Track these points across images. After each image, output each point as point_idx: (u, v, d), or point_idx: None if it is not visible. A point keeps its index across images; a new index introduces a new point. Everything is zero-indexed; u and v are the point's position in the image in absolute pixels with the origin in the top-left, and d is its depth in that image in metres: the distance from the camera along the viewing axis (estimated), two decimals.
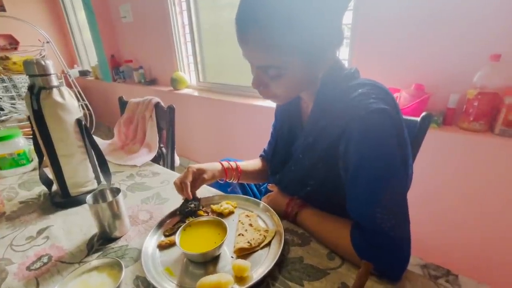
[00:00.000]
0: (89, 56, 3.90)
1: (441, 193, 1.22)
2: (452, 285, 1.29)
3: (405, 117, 0.73)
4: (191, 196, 0.66)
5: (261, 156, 0.89)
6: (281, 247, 0.53)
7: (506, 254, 1.12)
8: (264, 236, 0.58)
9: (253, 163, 0.85)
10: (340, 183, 0.55)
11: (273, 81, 0.54)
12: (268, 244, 0.56)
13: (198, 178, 0.70)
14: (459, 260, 1.26)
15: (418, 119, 0.73)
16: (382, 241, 0.47)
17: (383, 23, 1.28)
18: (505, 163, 1.03)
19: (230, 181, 0.80)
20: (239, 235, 0.58)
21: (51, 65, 0.70)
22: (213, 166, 0.74)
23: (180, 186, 0.67)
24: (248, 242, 0.55)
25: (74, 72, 3.77)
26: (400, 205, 0.48)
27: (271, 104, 1.72)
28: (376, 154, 0.48)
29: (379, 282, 0.47)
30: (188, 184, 0.66)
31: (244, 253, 0.54)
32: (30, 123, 0.72)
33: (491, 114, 1.08)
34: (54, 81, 0.70)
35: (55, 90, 0.70)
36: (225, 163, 0.78)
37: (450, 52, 1.15)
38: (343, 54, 1.48)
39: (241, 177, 0.80)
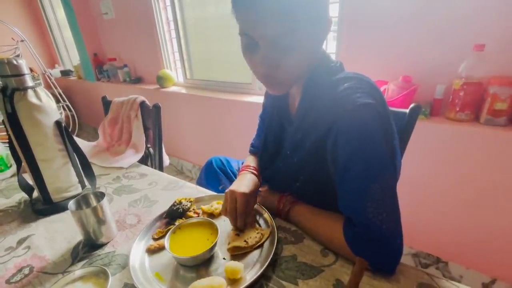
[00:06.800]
0: (71, 55, 3.75)
1: (430, 182, 1.24)
2: (442, 271, 1.33)
3: (393, 109, 0.73)
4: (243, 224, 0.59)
5: (251, 151, 0.83)
6: (274, 246, 0.52)
7: (492, 238, 1.15)
8: (262, 234, 0.56)
9: (254, 160, 0.79)
10: (329, 177, 0.55)
11: (285, 54, 0.50)
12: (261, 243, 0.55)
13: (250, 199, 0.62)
14: (448, 247, 1.29)
15: (407, 110, 0.73)
16: (375, 235, 0.47)
17: (369, 15, 1.28)
18: (491, 151, 1.05)
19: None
20: (236, 234, 0.56)
21: (25, 65, 0.66)
22: (250, 180, 0.66)
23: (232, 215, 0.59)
24: (245, 241, 0.54)
25: (55, 72, 3.63)
26: (390, 198, 0.48)
27: (259, 99, 1.70)
28: (364, 149, 0.48)
29: (374, 278, 0.47)
30: (241, 214, 0.58)
31: (238, 252, 0.53)
32: (5, 127, 0.68)
33: (477, 104, 1.09)
34: (29, 82, 0.66)
35: (30, 91, 0.66)
36: (253, 170, 0.70)
37: (436, 43, 1.16)
38: (331, 47, 1.47)
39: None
